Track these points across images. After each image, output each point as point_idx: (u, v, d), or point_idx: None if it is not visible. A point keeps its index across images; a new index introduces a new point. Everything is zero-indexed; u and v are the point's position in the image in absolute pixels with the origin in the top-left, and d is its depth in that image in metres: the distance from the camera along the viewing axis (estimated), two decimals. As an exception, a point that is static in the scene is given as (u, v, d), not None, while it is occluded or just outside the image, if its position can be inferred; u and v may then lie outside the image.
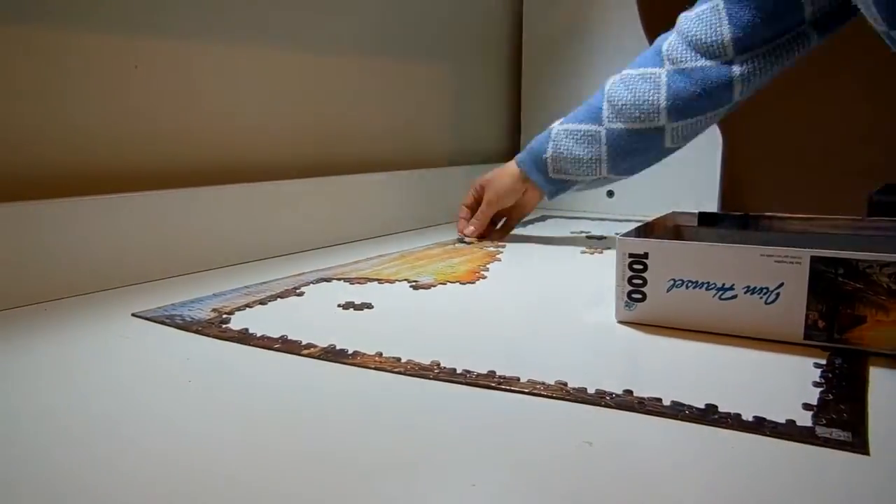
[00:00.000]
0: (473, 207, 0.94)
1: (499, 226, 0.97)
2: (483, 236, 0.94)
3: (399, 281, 0.70)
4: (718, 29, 0.73)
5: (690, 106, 0.76)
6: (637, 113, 0.78)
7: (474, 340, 0.53)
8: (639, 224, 0.63)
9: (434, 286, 0.69)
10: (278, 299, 0.63)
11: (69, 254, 0.63)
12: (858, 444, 0.35)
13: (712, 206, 1.12)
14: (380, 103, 1.04)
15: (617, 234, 0.58)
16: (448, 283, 0.70)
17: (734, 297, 0.52)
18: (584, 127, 0.82)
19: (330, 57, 0.95)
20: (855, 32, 0.87)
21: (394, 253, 0.85)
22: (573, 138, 0.83)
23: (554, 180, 0.87)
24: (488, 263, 0.80)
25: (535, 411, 0.40)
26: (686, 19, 0.77)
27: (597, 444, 0.36)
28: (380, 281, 0.70)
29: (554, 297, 0.67)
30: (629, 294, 0.55)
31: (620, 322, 0.56)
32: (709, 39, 0.73)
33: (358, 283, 0.70)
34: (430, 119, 1.15)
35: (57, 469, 0.33)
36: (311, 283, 0.69)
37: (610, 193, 1.23)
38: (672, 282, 0.53)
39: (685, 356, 0.49)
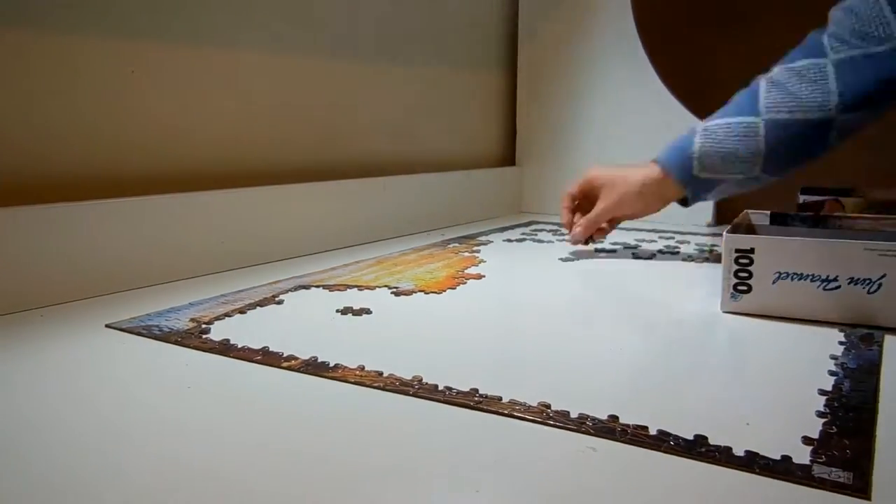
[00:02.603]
0: (577, 198, 0.87)
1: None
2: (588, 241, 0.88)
3: (379, 287, 0.69)
4: (877, 11, 0.69)
5: (861, 98, 0.70)
6: (802, 104, 0.72)
7: (458, 352, 0.52)
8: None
9: (415, 292, 0.67)
10: (258, 308, 0.62)
11: (35, 263, 0.61)
12: (859, 486, 0.32)
13: (706, 209, 1.16)
14: (371, 108, 1.03)
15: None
16: (429, 289, 0.69)
17: (838, 287, 0.55)
18: (739, 119, 0.75)
19: (323, 62, 0.94)
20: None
21: (370, 259, 0.84)
22: (726, 131, 0.75)
23: (700, 180, 0.78)
24: (467, 269, 0.79)
25: (517, 432, 0.38)
26: (838, 11, 0.72)
27: (581, 472, 0.34)
28: (359, 287, 0.69)
29: (539, 306, 0.66)
30: (735, 286, 0.58)
31: (726, 312, 0.59)
32: (868, 25, 0.69)
33: (337, 289, 0.68)
34: (422, 124, 1.15)
35: (37, 480, 0.33)
36: (290, 290, 0.68)
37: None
38: (778, 274, 0.56)
39: (677, 381, 0.46)
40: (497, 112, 1.34)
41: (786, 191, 1.02)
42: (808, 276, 0.55)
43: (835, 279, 0.55)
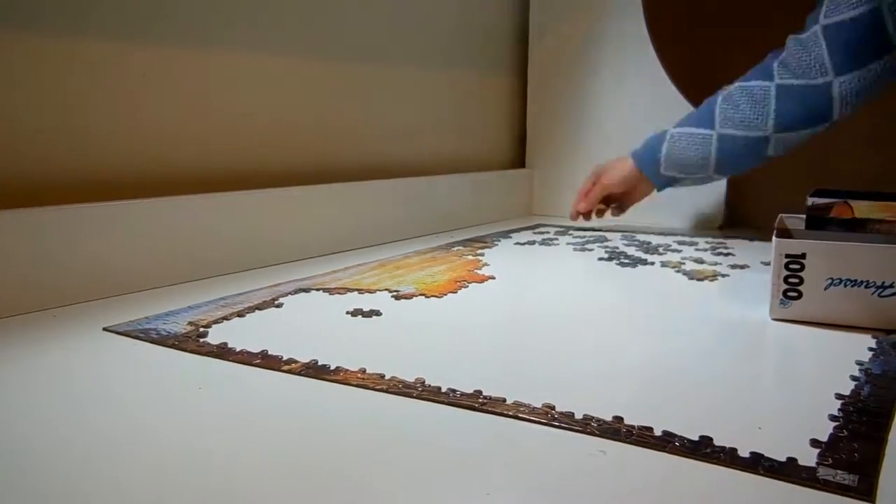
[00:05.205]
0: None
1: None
2: (588, 215, 1.06)
3: (380, 290, 0.68)
4: (818, 53, 0.79)
5: (793, 121, 0.83)
6: (746, 122, 0.86)
7: (462, 354, 0.51)
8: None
9: (415, 296, 0.66)
10: (256, 311, 0.60)
11: (33, 266, 0.60)
12: (864, 489, 0.32)
13: (717, 212, 1.15)
14: (381, 110, 1.01)
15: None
16: (430, 293, 0.68)
17: (894, 294, 0.53)
18: (698, 130, 0.91)
19: (333, 65, 0.92)
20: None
21: (372, 262, 0.82)
22: (687, 140, 0.92)
23: (664, 176, 0.97)
24: (470, 271, 0.78)
25: (522, 433, 0.38)
26: (792, 41, 0.83)
27: (580, 476, 0.33)
28: (360, 291, 0.68)
29: (542, 308, 0.65)
30: (785, 292, 0.56)
31: (775, 319, 0.57)
32: (810, 61, 0.80)
33: (337, 293, 0.67)
34: (432, 126, 1.13)
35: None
36: (290, 293, 0.67)
37: (615, 201, 1.23)
38: (830, 280, 0.55)
39: (689, 384, 0.45)
40: (507, 114, 1.32)
41: (795, 193, 1.02)
42: (862, 282, 0.54)
43: (890, 285, 0.53)
